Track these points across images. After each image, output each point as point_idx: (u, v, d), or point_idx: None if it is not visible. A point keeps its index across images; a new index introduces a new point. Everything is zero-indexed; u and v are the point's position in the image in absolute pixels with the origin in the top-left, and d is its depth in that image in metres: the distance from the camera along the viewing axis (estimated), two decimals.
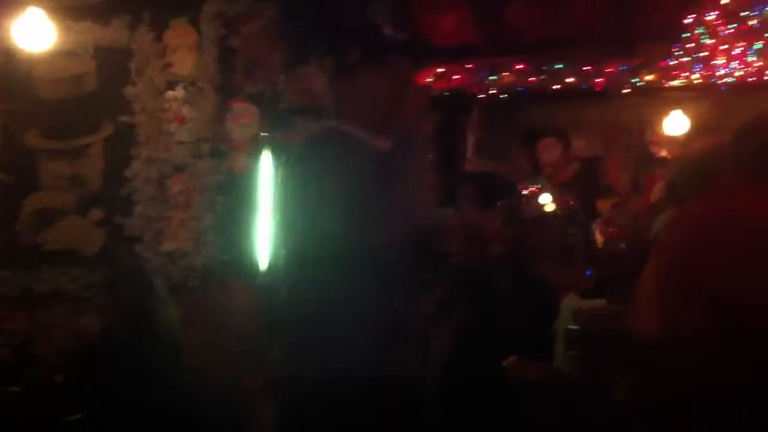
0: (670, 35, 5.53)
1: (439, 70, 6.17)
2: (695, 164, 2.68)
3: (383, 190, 2.14)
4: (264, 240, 4.41)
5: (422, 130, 2.35)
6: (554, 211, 5.53)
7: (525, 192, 5.70)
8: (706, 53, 5.41)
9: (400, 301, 2.20)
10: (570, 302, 4.01)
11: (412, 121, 2.29)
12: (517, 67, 6.07)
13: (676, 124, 6.25)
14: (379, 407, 2.10)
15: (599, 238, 5.13)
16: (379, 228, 2.10)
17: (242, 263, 4.50)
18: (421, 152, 2.35)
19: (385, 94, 2.24)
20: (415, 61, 2.36)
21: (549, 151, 6.20)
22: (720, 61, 5.37)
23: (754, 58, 5.35)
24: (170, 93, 4.78)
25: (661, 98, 6.34)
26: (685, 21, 5.30)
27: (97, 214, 4.77)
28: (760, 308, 1.91)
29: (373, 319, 2.14)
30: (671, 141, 6.09)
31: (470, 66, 6.22)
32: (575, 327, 3.77)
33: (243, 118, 4.82)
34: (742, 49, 5.31)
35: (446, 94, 6.34)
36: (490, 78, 6.14)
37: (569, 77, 6.03)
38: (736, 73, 5.42)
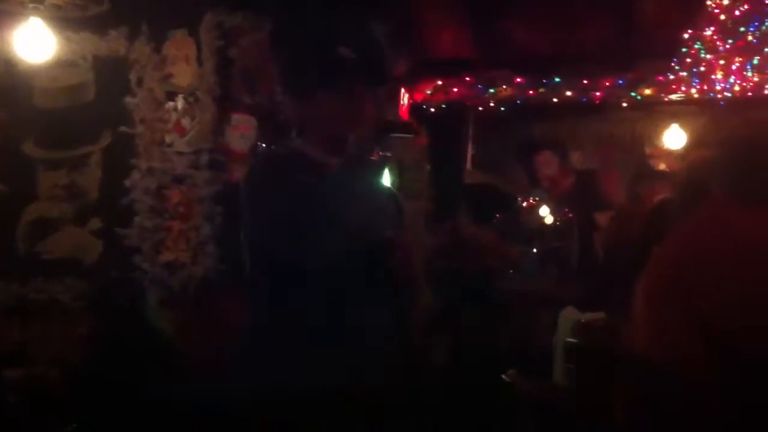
0: (668, 50, 5.55)
1: (438, 82, 6.19)
2: (688, 178, 2.67)
3: (335, 209, 2.19)
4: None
5: (369, 150, 2.42)
6: (553, 223, 5.56)
7: (524, 204, 5.72)
8: (705, 68, 5.43)
9: (358, 316, 2.20)
10: (569, 315, 3.99)
11: (363, 142, 2.36)
12: (515, 80, 6.09)
13: (674, 138, 6.28)
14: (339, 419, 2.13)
15: (599, 250, 5.14)
16: (330, 244, 2.14)
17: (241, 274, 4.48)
18: (373, 172, 2.43)
19: (344, 117, 2.28)
20: (372, 84, 2.34)
21: (546, 164, 6.22)
22: (718, 75, 5.39)
23: (752, 73, 5.37)
24: (169, 104, 4.78)
25: (660, 112, 6.37)
26: (684, 36, 5.32)
27: (95, 224, 4.76)
28: (747, 329, 1.91)
29: (327, 334, 2.17)
30: (670, 155, 6.11)
31: (468, 79, 6.24)
32: (573, 340, 3.75)
33: (242, 129, 4.83)
34: (740, 64, 5.33)
35: (444, 106, 6.36)
36: (489, 91, 6.16)
37: (567, 91, 6.06)
38: (735, 88, 5.45)
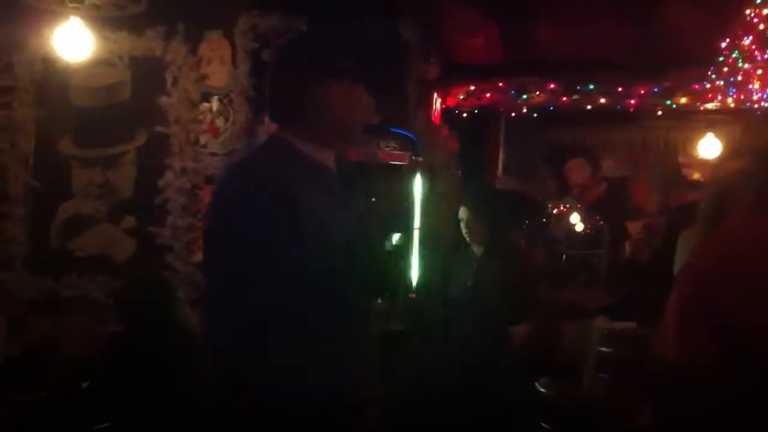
0: (704, 58, 5.48)
1: (471, 88, 6.16)
2: (720, 188, 2.65)
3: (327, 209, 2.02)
4: None
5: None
6: (583, 231, 5.53)
7: (554, 211, 5.69)
8: (741, 77, 5.35)
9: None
10: (600, 324, 3.97)
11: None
12: (548, 87, 6.05)
13: (709, 147, 6.22)
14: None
15: (629, 258, 5.11)
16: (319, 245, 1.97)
17: None
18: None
19: (333, 110, 2.11)
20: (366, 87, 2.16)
21: (577, 171, 6.19)
22: (755, 85, 5.31)
23: None
24: (204, 105, 4.82)
25: (695, 121, 6.31)
26: (721, 45, 5.25)
27: (128, 222, 4.80)
28: None
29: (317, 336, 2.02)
30: (704, 164, 6.06)
31: (501, 85, 6.21)
32: (606, 350, 3.73)
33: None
34: None
35: (476, 112, 6.34)
36: (522, 97, 6.12)
37: (601, 98, 6.00)
38: None
